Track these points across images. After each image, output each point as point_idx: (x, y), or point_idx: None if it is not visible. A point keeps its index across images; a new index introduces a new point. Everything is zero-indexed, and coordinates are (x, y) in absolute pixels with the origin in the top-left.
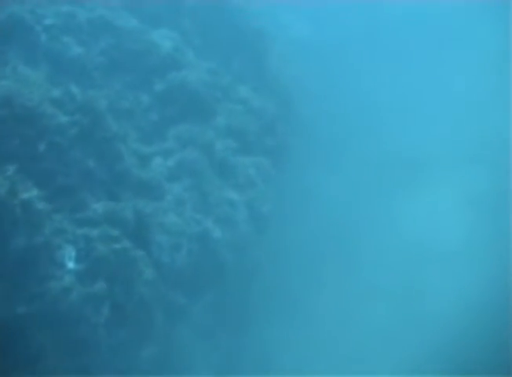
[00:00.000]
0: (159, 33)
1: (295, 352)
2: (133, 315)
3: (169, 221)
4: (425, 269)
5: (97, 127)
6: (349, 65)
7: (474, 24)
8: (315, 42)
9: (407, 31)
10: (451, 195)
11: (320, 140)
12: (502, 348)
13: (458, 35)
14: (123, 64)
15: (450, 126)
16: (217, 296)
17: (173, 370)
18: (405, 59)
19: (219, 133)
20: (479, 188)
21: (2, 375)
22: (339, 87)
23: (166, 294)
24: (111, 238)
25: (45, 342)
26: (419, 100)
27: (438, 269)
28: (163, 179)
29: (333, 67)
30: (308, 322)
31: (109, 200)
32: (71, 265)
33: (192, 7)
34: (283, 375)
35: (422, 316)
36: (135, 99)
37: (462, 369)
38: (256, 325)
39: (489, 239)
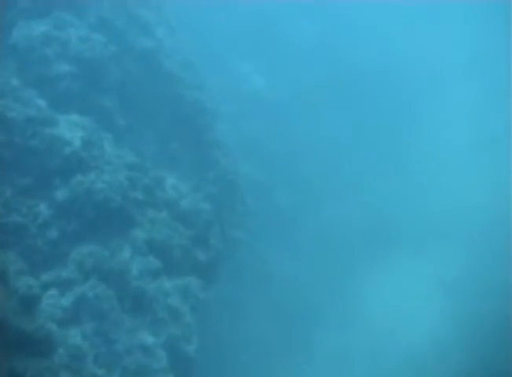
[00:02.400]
0: (68, 120)
1: None
2: None
3: None
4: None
5: None
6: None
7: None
8: (270, 96)
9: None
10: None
11: (273, 220)
12: None
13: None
14: (16, 165)
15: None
16: None
17: None
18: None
19: (136, 251)
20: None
21: None
22: (296, 148)
23: None
24: None
25: None
26: (387, 162)
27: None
28: (55, 326)
29: (288, 125)
30: None
31: None
32: None
33: (116, 79)
34: None
35: None
36: (29, 210)
37: None
38: None
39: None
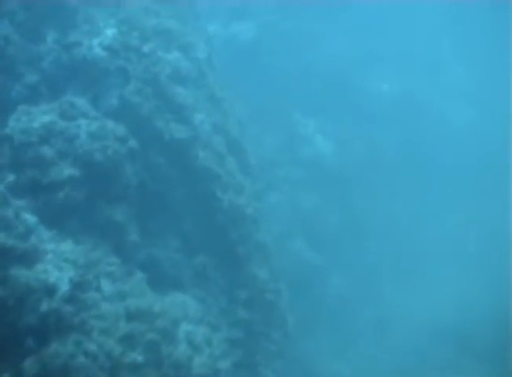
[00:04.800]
0: (58, 252)
1: None
2: None
3: None
4: None
5: None
6: None
7: None
8: (335, 161)
9: None
10: None
11: None
12: None
13: None
14: None
15: None
16: None
17: None
18: None
19: None
20: None
21: None
22: (361, 225)
23: None
24: None
25: None
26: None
27: None
28: None
29: (354, 197)
30: None
31: None
32: None
33: (132, 183)
34: None
35: None
36: None
37: None
38: None
39: None
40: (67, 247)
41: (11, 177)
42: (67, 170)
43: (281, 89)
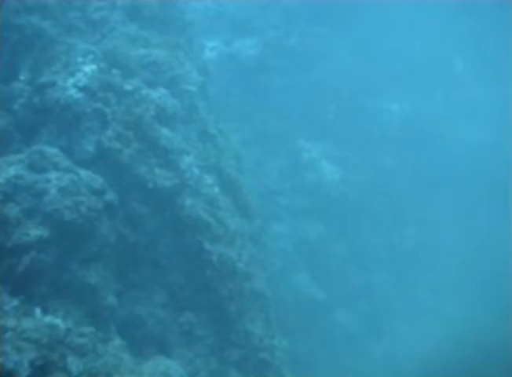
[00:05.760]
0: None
1: None
2: None
3: None
4: None
5: None
6: None
7: None
8: (342, 189)
9: None
10: None
11: None
12: None
13: None
14: None
15: None
16: None
17: None
18: None
19: None
20: None
21: None
22: (368, 257)
23: None
24: None
25: None
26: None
27: None
28: None
29: (361, 227)
30: None
31: None
32: None
33: (108, 241)
34: None
35: None
36: None
37: None
38: None
39: None
40: (29, 322)
41: None
42: (35, 231)
43: (285, 110)
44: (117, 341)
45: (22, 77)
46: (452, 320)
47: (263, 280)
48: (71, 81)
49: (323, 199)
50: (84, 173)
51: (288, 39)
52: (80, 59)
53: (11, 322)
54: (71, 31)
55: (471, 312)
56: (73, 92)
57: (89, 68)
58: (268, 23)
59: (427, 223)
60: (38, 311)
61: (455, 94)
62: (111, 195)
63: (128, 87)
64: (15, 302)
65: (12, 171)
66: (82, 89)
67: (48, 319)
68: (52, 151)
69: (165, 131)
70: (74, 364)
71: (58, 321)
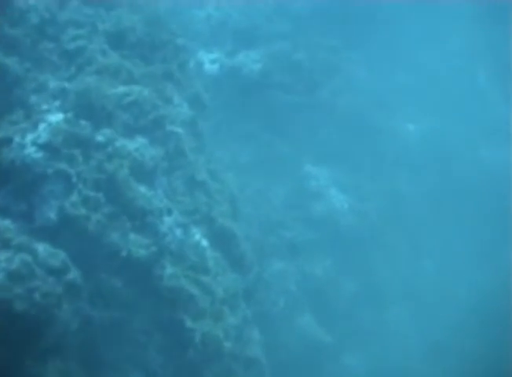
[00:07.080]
0: None
1: None
2: None
3: None
4: None
5: None
6: None
7: None
8: (352, 219)
9: None
10: None
11: None
12: None
13: None
14: None
15: None
16: None
17: None
18: None
19: None
20: None
21: None
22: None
23: None
24: None
25: None
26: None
27: None
28: None
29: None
30: None
31: None
32: None
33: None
34: None
35: None
36: None
37: None
38: None
39: None
40: None
41: None
42: None
43: (291, 131)
44: None
45: None
46: (474, 359)
47: (259, 346)
48: (29, 137)
49: (330, 231)
50: (42, 247)
51: (296, 52)
52: (45, 106)
53: None
54: (42, 66)
55: (495, 352)
56: (31, 150)
57: (54, 118)
58: (275, 33)
59: (446, 254)
60: None
61: (476, 112)
62: (73, 274)
63: (100, 138)
64: None
65: None
66: (42, 146)
67: None
68: (3, 223)
69: (142, 189)
70: None
71: None
